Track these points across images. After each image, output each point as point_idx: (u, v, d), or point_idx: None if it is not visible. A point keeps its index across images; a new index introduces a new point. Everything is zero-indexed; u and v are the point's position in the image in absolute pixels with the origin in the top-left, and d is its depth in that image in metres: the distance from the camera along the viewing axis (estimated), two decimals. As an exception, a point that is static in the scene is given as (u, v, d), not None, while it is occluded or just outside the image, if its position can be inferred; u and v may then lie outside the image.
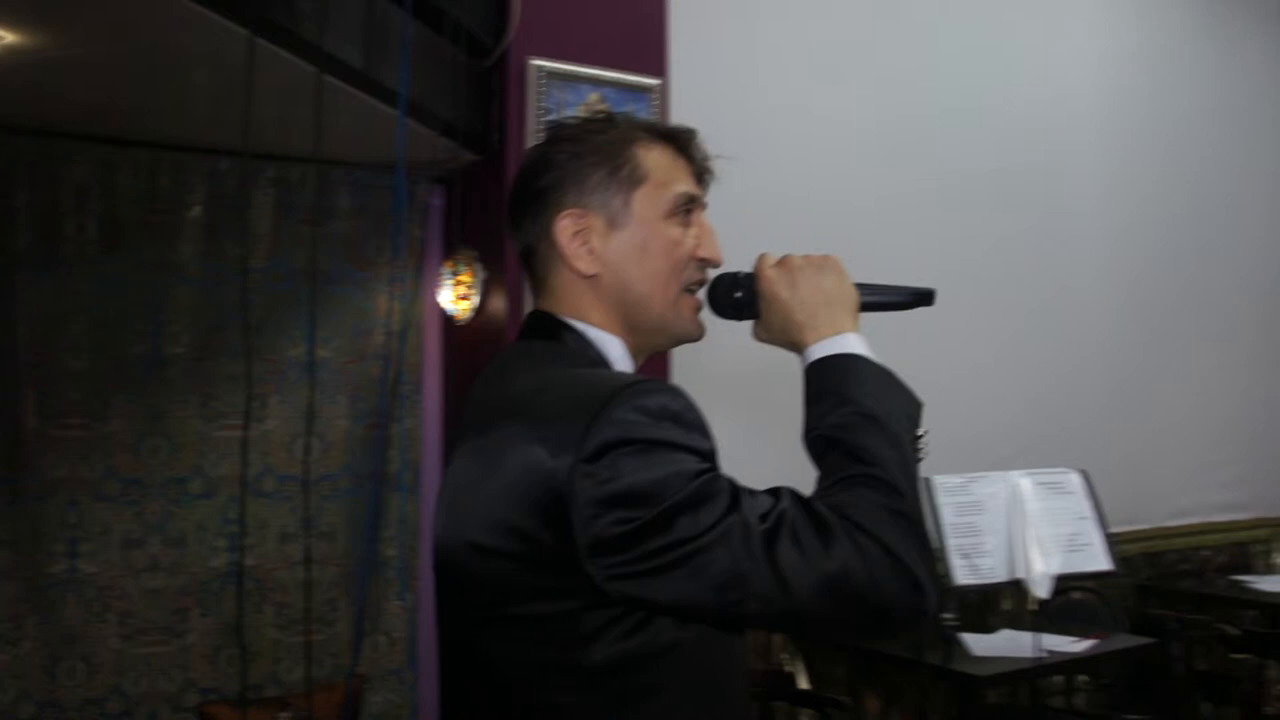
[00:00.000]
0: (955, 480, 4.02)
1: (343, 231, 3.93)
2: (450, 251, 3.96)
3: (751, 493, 1.25)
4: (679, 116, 3.92)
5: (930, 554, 1.26)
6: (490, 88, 3.77)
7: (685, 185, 1.46)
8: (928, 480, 3.93)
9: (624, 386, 1.25)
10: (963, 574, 3.88)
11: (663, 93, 3.87)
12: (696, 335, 1.48)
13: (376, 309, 4.01)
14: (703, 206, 1.50)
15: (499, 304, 3.70)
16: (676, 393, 1.28)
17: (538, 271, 1.48)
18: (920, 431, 1.39)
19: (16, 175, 3.43)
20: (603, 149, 1.45)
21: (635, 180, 1.43)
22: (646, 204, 1.43)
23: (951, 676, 4.00)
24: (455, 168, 3.92)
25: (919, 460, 1.37)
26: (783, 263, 1.48)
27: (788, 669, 4.43)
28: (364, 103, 3.12)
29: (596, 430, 1.20)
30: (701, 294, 1.50)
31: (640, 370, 1.46)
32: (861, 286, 1.49)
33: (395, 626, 3.97)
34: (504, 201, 3.71)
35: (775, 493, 1.26)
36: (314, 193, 3.80)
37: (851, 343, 1.41)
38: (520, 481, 1.23)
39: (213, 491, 3.69)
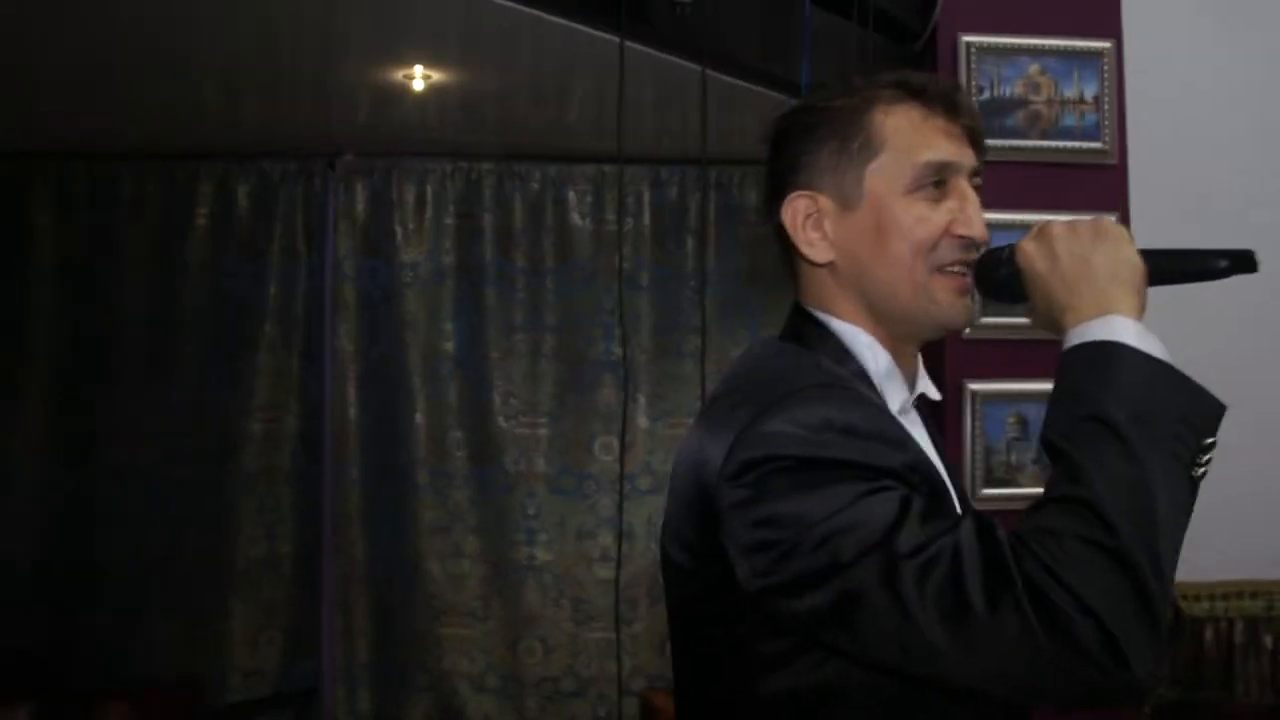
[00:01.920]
0: None
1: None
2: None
3: (928, 517, 1.04)
4: (1135, 83, 3.56)
5: (1150, 606, 0.97)
6: (923, 71, 3.66)
7: (934, 152, 1.24)
8: None
9: (784, 395, 1.12)
10: None
11: (1115, 57, 3.53)
12: (961, 321, 1.27)
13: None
14: (969, 173, 1.27)
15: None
16: (850, 402, 1.12)
17: (786, 260, 1.33)
18: (1207, 441, 1.07)
19: (480, 198, 3.83)
20: (834, 120, 1.27)
21: (870, 152, 1.24)
22: (883, 178, 1.24)
23: None
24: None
25: (1197, 480, 1.06)
26: (1040, 232, 1.21)
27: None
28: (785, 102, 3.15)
29: (742, 444, 1.09)
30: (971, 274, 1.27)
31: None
32: (1152, 254, 1.19)
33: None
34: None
35: (957, 520, 1.05)
36: (695, 192, 3.89)
37: (1118, 327, 1.10)
38: (690, 489, 1.17)
39: (660, 488, 3.86)
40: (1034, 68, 3.53)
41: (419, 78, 3.03)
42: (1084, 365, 1.10)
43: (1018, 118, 3.49)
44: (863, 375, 1.24)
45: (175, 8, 2.62)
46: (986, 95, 3.48)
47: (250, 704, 3.64)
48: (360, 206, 3.79)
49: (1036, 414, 3.48)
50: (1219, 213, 3.66)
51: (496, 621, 3.76)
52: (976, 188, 1.28)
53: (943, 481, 1.20)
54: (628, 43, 2.75)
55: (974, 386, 3.44)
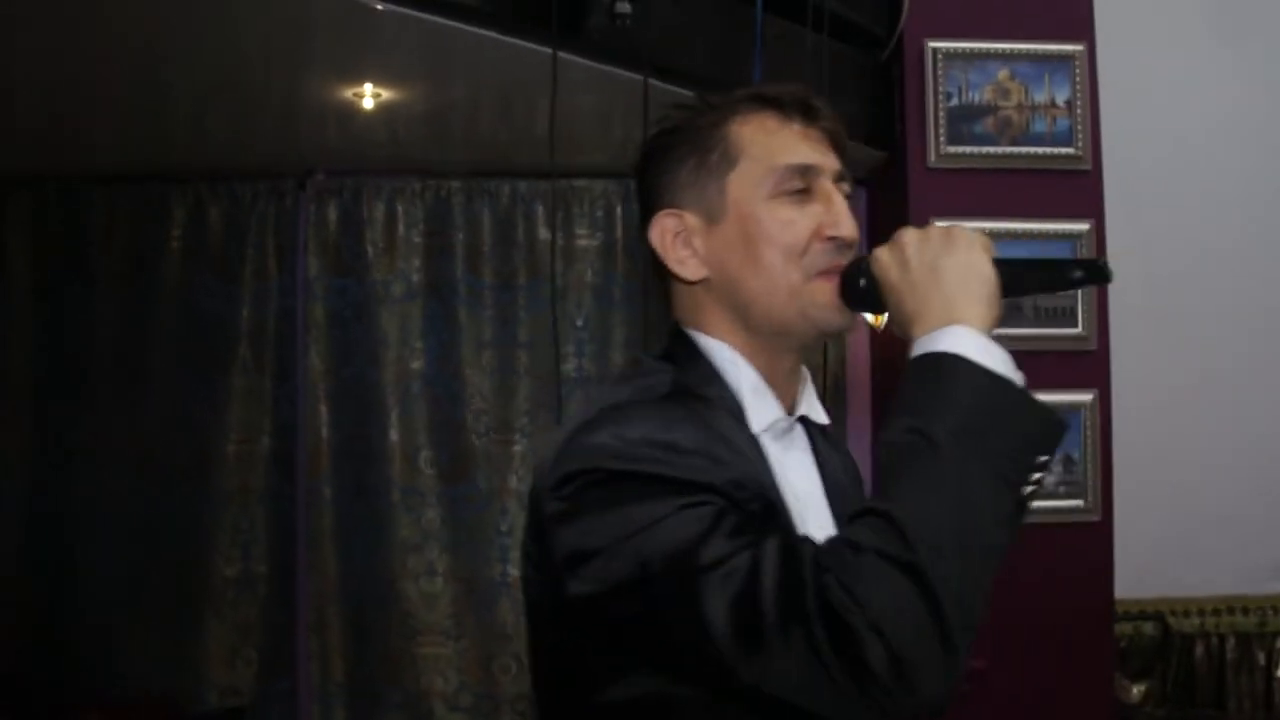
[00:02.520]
0: None
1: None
2: (864, 256, 3.85)
3: (740, 532, 1.04)
4: (1110, 87, 3.47)
5: (944, 626, 0.96)
6: (891, 79, 3.61)
7: (793, 155, 1.23)
8: None
9: (609, 410, 1.13)
10: None
11: (1087, 60, 3.45)
12: (839, 324, 1.25)
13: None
14: (832, 176, 1.25)
15: (907, 308, 3.50)
16: (676, 419, 1.12)
17: (659, 281, 1.32)
18: (1040, 459, 1.06)
19: (449, 215, 3.82)
20: (692, 137, 1.26)
21: (728, 163, 1.24)
22: (744, 187, 1.23)
23: None
24: (877, 168, 3.81)
25: (1025, 498, 1.05)
26: (894, 239, 1.19)
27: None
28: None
29: (565, 456, 1.12)
30: None
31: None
32: (1007, 263, 1.16)
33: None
34: (909, 199, 3.53)
35: (761, 534, 1.03)
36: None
37: (958, 338, 1.08)
38: (530, 500, 1.19)
39: None
40: (1003, 73, 3.46)
41: (369, 96, 3.03)
42: (919, 377, 1.09)
43: (986, 124, 3.42)
44: (728, 396, 1.23)
45: (142, 33, 2.64)
46: (955, 102, 3.41)
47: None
48: (331, 226, 3.78)
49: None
50: (1197, 217, 3.58)
51: (470, 640, 3.72)
52: (846, 195, 1.27)
53: (780, 504, 1.17)
54: (575, 57, 2.74)
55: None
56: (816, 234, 1.23)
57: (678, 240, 1.26)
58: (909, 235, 1.18)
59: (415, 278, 3.79)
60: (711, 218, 1.24)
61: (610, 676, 1.12)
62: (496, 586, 3.75)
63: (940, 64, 3.41)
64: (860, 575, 0.97)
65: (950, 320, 1.10)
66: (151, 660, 3.66)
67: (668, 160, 1.28)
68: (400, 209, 3.80)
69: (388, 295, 3.78)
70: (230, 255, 3.77)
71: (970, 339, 1.08)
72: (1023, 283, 1.19)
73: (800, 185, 1.23)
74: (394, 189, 3.80)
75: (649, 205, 1.30)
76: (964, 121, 3.41)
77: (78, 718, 3.49)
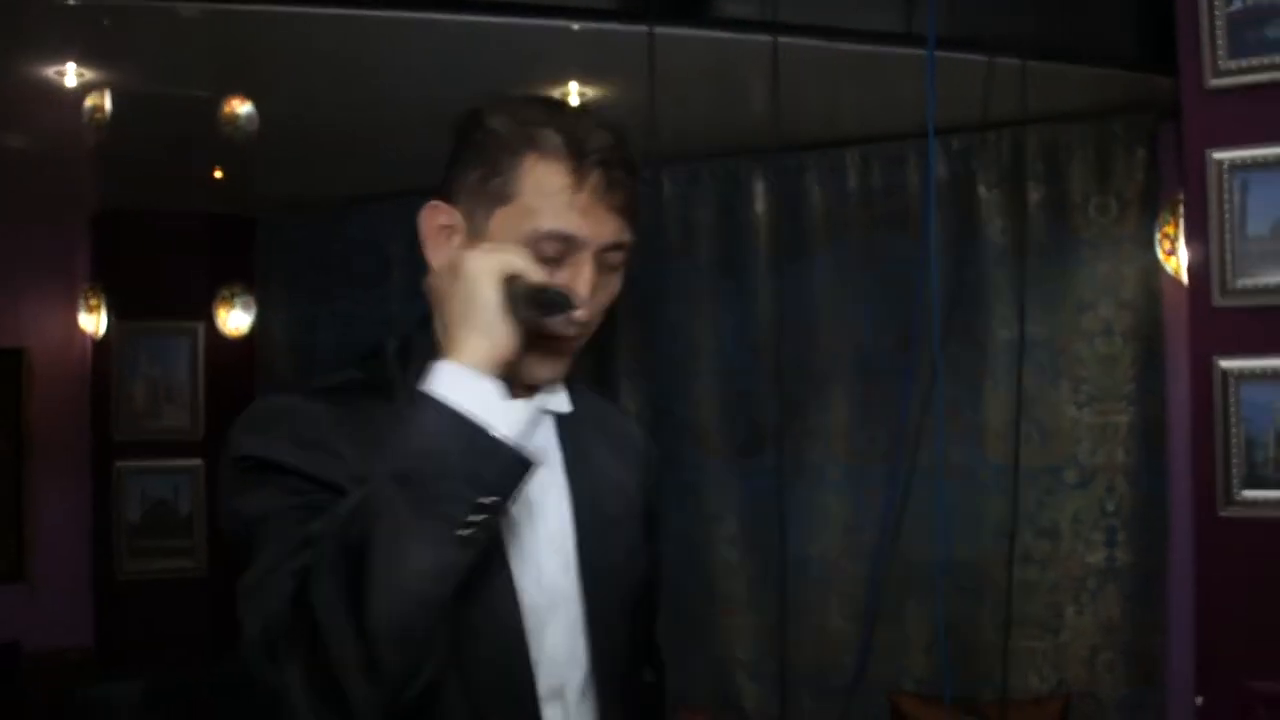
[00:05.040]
0: None
1: (1054, 197, 3.63)
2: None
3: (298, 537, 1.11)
4: None
5: (342, 670, 1.02)
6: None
7: (558, 222, 1.18)
8: None
9: (253, 402, 1.23)
10: None
11: None
12: (541, 376, 1.26)
13: (1100, 278, 3.60)
14: (596, 249, 1.21)
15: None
16: (313, 416, 1.19)
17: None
18: (486, 500, 1.04)
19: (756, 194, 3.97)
20: (491, 146, 1.23)
21: (503, 198, 1.21)
22: (504, 228, 1.20)
23: None
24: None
25: (468, 538, 1.04)
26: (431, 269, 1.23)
27: None
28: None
29: (225, 446, 1.22)
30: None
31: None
32: (521, 291, 1.12)
33: (1135, 644, 3.49)
34: (1184, 130, 3.12)
35: (304, 546, 1.10)
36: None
37: (438, 373, 1.08)
38: None
39: (1086, 482, 3.66)
40: (1332, -35, 2.85)
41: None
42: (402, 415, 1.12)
43: (1281, 25, 2.85)
44: None
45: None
46: (1237, 5, 2.88)
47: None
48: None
49: (1314, 395, 2.80)
50: None
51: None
52: (615, 264, 1.26)
53: None
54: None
55: (1227, 364, 2.85)
56: None
57: (442, 233, 1.26)
58: (436, 265, 1.22)
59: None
60: (472, 235, 1.23)
61: None
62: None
63: (1220, -32, 2.91)
64: (289, 617, 1.05)
65: (447, 353, 1.09)
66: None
67: (465, 155, 1.26)
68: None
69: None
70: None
71: (445, 374, 1.07)
72: (524, 309, 1.12)
73: (554, 252, 1.20)
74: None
75: (442, 181, 1.29)
76: (1250, 27, 2.87)
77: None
